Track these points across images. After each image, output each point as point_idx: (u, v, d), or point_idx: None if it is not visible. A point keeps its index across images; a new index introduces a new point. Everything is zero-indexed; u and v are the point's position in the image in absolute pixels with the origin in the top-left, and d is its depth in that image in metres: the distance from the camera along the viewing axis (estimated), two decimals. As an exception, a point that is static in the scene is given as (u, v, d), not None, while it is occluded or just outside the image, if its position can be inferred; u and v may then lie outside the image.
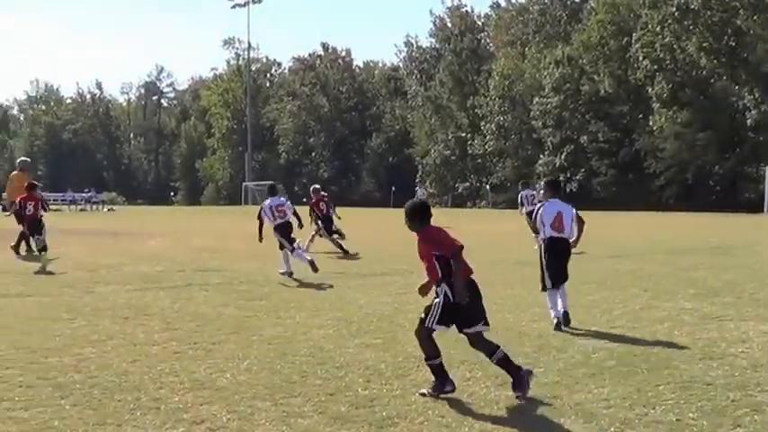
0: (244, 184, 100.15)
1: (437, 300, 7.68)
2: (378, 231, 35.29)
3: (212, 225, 42.32)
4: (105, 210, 77.11)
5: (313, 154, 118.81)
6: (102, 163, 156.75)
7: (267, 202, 18.25)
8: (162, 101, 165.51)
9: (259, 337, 10.35)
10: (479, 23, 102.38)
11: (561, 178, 74.82)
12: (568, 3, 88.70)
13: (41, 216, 20.83)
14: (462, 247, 7.56)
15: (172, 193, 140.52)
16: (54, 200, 75.63)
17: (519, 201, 27.28)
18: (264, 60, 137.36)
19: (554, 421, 6.74)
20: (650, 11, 70.31)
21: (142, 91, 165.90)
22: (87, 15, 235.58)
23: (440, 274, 7.64)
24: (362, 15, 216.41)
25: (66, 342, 9.95)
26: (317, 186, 25.24)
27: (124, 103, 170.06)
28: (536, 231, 17.05)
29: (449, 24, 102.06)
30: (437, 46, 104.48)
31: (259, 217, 17.90)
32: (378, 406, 7.12)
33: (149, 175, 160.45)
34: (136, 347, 9.61)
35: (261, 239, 17.71)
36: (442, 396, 7.35)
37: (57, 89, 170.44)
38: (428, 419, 6.75)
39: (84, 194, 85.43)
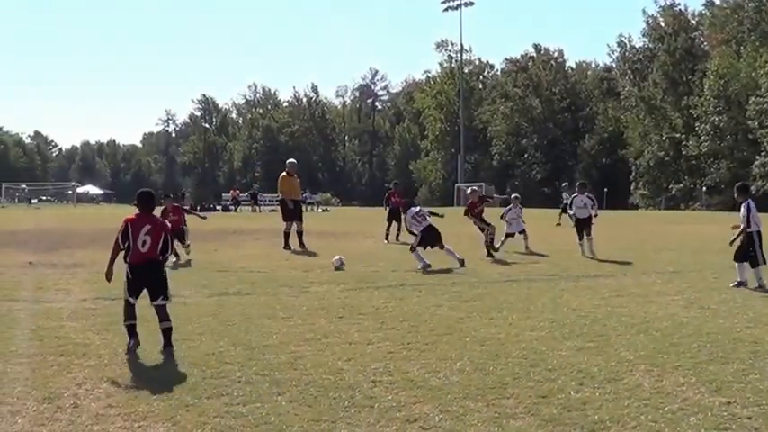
0: (456, 185, 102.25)
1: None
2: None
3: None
4: (320, 210, 79.18)
5: (525, 155, 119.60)
6: (317, 164, 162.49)
7: (410, 211, 20.77)
8: (376, 103, 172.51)
9: (472, 338, 10.53)
10: (693, 22, 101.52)
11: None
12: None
13: (184, 225, 22.75)
14: (117, 240, 9.60)
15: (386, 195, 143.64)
16: (270, 200, 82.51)
17: (570, 203, 25.83)
18: (477, 62, 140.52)
19: (769, 429, 6.71)
20: None
21: (357, 94, 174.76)
22: (303, 20, 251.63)
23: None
24: (574, 15, 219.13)
25: (283, 340, 10.46)
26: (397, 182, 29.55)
27: (339, 106, 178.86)
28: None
29: (662, 23, 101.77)
30: (650, 45, 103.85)
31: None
32: (590, 410, 7.26)
33: (363, 177, 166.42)
34: (350, 346, 9.97)
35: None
36: (654, 402, 7.52)
37: (274, 93, 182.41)
38: (640, 424, 6.87)
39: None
